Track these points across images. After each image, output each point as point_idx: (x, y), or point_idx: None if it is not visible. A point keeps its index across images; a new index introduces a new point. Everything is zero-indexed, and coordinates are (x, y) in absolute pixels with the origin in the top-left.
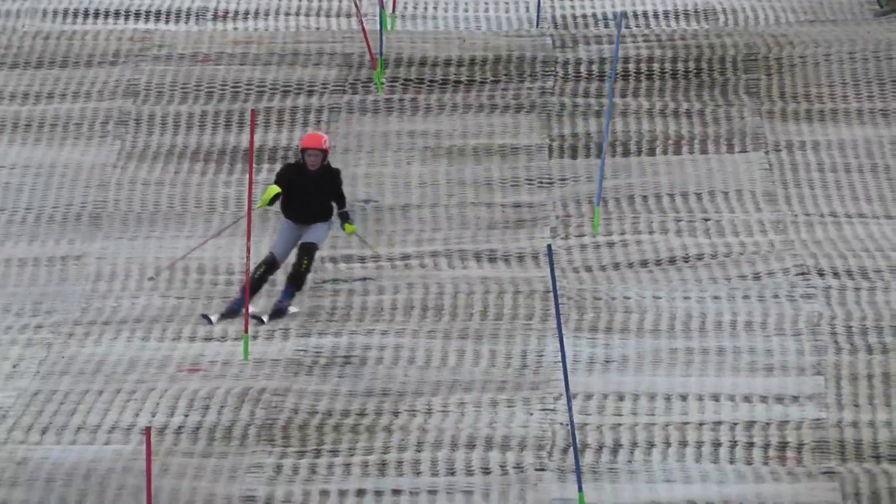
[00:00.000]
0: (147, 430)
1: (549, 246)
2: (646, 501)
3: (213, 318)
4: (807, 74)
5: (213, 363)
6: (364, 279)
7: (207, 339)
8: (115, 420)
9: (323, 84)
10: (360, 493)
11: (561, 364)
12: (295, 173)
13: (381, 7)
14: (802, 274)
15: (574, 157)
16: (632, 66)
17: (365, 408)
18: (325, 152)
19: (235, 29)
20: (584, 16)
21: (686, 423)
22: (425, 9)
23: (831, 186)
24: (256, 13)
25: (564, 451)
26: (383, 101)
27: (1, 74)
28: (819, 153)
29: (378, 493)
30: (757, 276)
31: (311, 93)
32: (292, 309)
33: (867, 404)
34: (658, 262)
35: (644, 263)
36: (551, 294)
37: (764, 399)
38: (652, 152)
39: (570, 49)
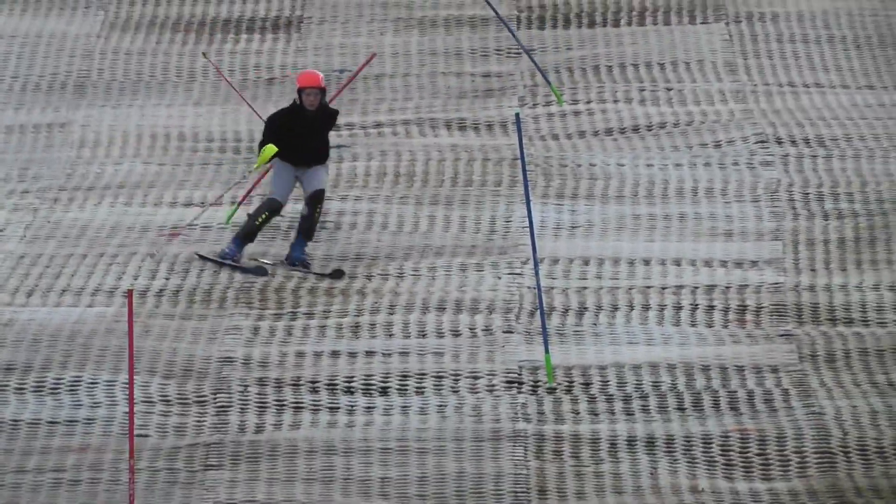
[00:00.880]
0: (129, 293)
1: (517, 114)
2: (610, 363)
3: (266, 264)
4: None
5: (192, 228)
6: (338, 146)
7: (187, 204)
8: (99, 283)
9: None
10: (335, 354)
11: (528, 229)
12: (290, 117)
13: None
14: (761, 142)
15: (542, 27)
16: None
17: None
18: (323, 90)
19: None
20: None
21: (649, 287)
22: None
23: (790, 57)
24: None
25: (531, 314)
26: None
27: None
28: (778, 24)
29: (352, 355)
30: (717, 144)
31: None
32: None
33: (823, 269)
34: (622, 131)
35: (609, 132)
36: (519, 161)
37: (724, 264)
38: (617, 23)
39: None
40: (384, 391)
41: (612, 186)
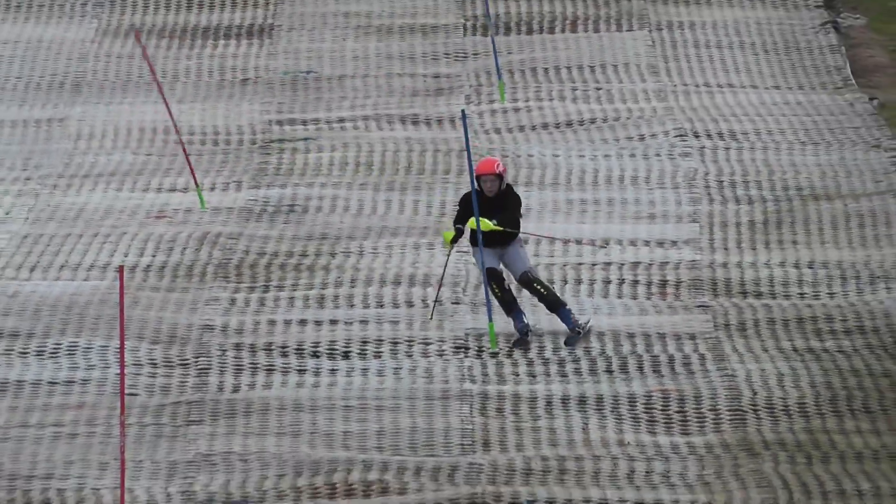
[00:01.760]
0: (120, 269)
1: (463, 111)
2: (546, 330)
3: (527, 329)
4: None
5: (176, 211)
6: (306, 139)
7: (171, 190)
8: (93, 260)
9: None
10: (302, 322)
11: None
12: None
13: None
14: (680, 136)
15: (485, 34)
16: None
17: (306, 249)
18: (500, 176)
19: None
20: None
21: (580, 264)
22: None
23: (705, 60)
24: None
25: (476, 287)
26: None
27: None
28: (695, 32)
29: (317, 323)
30: (641, 138)
31: None
32: (583, 321)
33: (735, 248)
34: (557, 125)
35: (545, 126)
36: (465, 152)
37: (647, 243)
38: (552, 31)
39: None
40: (346, 355)
41: (548, 175)
